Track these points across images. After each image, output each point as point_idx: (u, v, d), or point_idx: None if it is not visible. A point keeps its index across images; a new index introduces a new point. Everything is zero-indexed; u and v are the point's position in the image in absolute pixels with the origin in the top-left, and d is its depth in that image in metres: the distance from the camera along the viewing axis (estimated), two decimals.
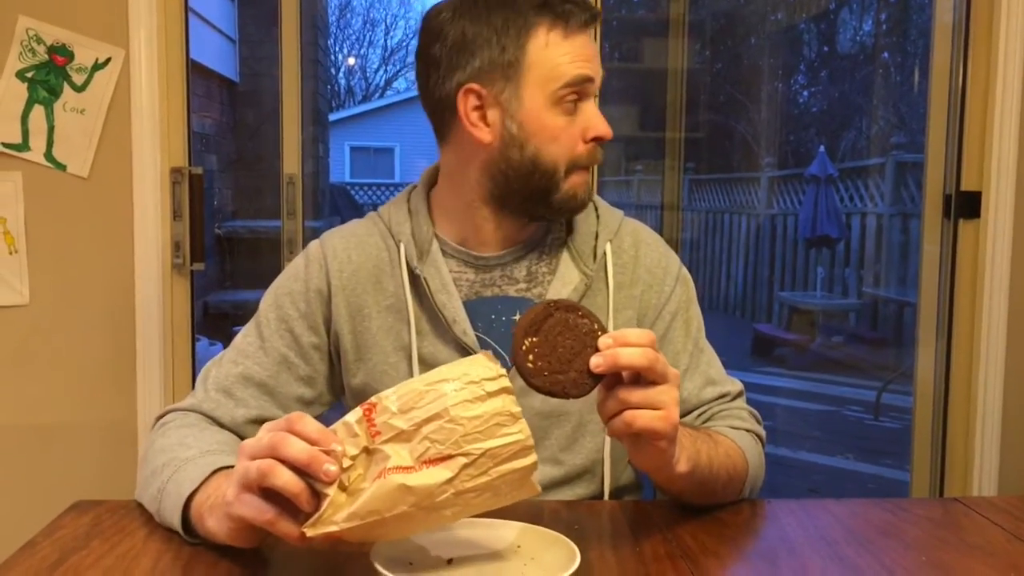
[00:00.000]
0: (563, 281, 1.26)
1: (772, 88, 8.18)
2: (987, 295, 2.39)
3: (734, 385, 1.32)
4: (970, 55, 2.39)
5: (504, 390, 0.87)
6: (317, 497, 0.87)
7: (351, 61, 19.34)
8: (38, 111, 2.14)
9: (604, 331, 0.96)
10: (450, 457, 0.85)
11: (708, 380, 1.30)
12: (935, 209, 2.50)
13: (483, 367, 0.88)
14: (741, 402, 1.32)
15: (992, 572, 0.97)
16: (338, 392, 1.31)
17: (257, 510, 0.88)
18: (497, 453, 0.85)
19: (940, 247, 2.49)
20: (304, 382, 1.26)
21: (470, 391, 0.86)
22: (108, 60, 2.16)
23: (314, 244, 1.31)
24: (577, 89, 1.19)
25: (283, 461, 0.86)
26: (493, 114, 1.19)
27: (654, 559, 0.98)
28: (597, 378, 0.95)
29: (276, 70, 2.69)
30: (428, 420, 0.85)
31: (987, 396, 2.40)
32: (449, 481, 0.85)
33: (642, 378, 0.95)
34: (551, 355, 0.95)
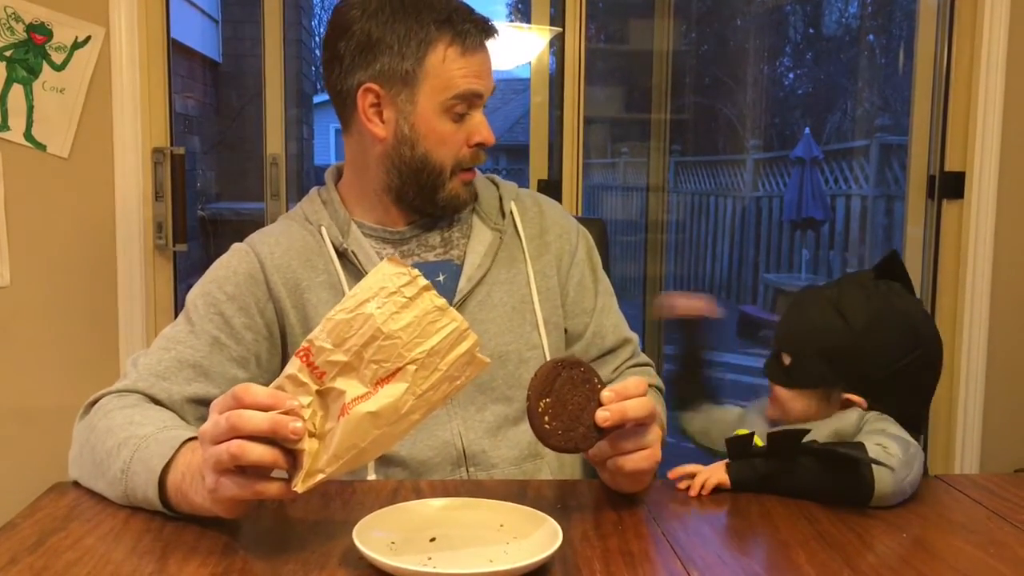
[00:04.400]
0: (479, 239, 1.37)
1: (758, 70, 8.16)
2: (970, 275, 2.40)
3: (632, 332, 1.49)
4: (955, 37, 2.40)
5: (423, 289, 0.90)
6: (292, 454, 0.88)
7: None
8: (17, 90, 2.11)
9: (603, 384, 1.02)
10: (399, 369, 0.88)
11: (621, 319, 1.47)
12: (919, 189, 2.51)
13: (395, 275, 0.90)
14: (640, 352, 1.49)
15: (973, 549, 0.97)
16: (272, 377, 1.31)
17: (241, 487, 0.89)
18: (440, 348, 0.89)
19: (924, 227, 2.50)
20: (237, 363, 1.27)
21: (393, 303, 0.89)
22: (88, 39, 2.13)
23: (235, 244, 1.37)
24: (466, 102, 1.30)
25: (247, 436, 0.87)
26: (389, 113, 1.30)
27: (636, 537, 0.98)
28: (602, 431, 1.01)
29: (259, 51, 2.67)
30: (366, 345, 0.88)
31: (969, 375, 2.42)
32: (407, 390, 0.88)
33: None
34: (563, 413, 1.01)
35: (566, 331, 1.42)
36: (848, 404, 1.17)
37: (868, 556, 0.94)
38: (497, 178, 1.46)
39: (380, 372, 0.89)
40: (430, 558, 0.90)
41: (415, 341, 0.89)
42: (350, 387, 0.89)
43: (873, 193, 6.64)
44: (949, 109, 2.41)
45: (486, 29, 1.31)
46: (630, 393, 1.02)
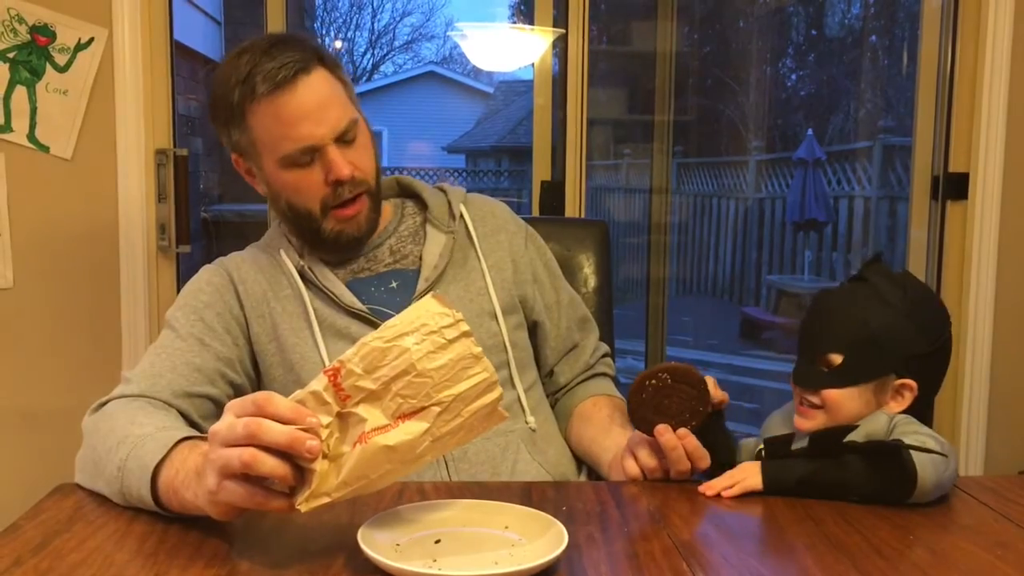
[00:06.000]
0: (434, 243, 1.40)
1: (760, 71, 8.16)
2: (974, 276, 2.40)
3: (596, 331, 1.54)
4: (958, 37, 2.40)
5: (463, 334, 0.89)
6: (300, 470, 0.87)
7: (338, 44, 19.17)
8: (20, 92, 2.11)
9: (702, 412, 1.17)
10: (423, 408, 0.88)
11: (583, 318, 1.53)
12: (923, 191, 2.50)
13: (439, 314, 0.90)
14: (602, 344, 1.56)
15: (979, 551, 0.97)
16: (253, 383, 1.37)
17: (245, 495, 0.89)
18: (467, 396, 0.89)
19: (928, 229, 2.50)
20: (224, 362, 1.31)
21: (432, 342, 0.88)
22: (91, 40, 2.13)
23: (204, 266, 1.42)
24: (302, 158, 1.28)
25: (262, 447, 0.86)
26: (256, 174, 1.36)
27: (642, 538, 0.98)
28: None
29: None
30: (396, 378, 0.87)
31: (974, 377, 2.41)
32: (426, 431, 0.87)
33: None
34: (660, 402, 1.16)
35: (536, 325, 1.47)
36: (901, 390, 1.15)
37: (875, 558, 0.94)
38: (446, 185, 1.50)
39: (404, 407, 0.88)
40: (435, 560, 0.90)
41: (445, 384, 0.88)
42: (372, 416, 0.88)
43: (876, 194, 6.63)
44: (953, 110, 2.41)
45: (277, 79, 1.24)
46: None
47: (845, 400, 1.14)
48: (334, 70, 1.31)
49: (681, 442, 1.14)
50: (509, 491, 1.13)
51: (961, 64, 2.40)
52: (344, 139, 1.29)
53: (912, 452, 1.06)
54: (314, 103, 1.26)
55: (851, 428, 1.11)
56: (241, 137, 1.31)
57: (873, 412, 1.15)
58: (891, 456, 1.07)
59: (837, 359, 1.15)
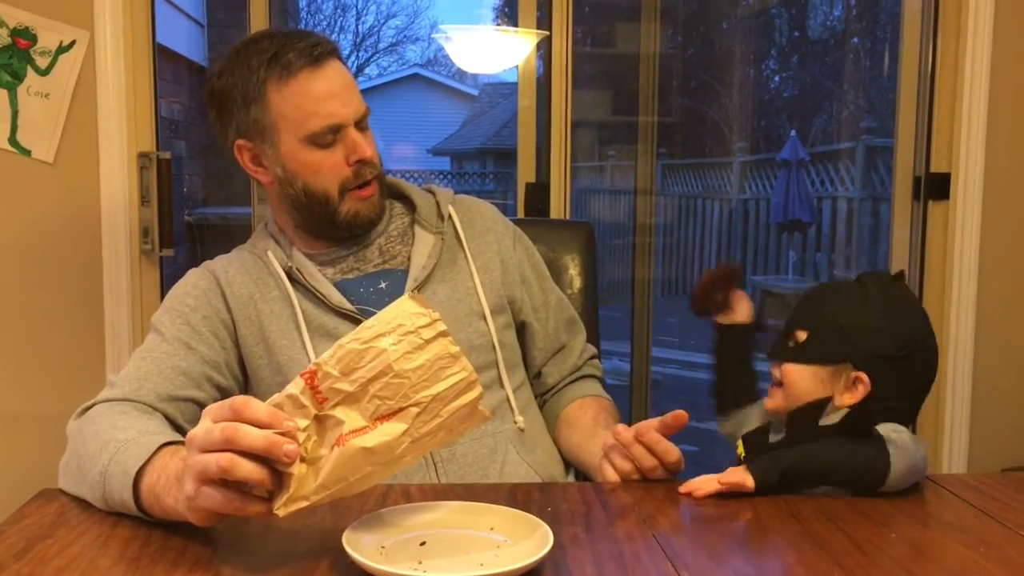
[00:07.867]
0: (422, 243, 1.41)
1: (744, 73, 8.18)
2: (956, 275, 2.41)
3: (583, 332, 1.54)
4: (939, 38, 2.41)
5: (440, 334, 0.89)
6: (278, 475, 0.87)
7: None
8: (1, 95, 2.10)
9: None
10: (402, 409, 0.87)
11: (571, 319, 1.53)
12: (905, 191, 2.52)
13: (415, 314, 0.89)
14: (590, 346, 1.56)
15: (962, 548, 0.97)
16: (241, 386, 1.36)
17: (222, 500, 0.88)
18: (445, 395, 0.88)
19: (910, 229, 2.51)
20: (211, 366, 1.30)
21: (408, 342, 0.88)
22: (72, 43, 2.12)
23: (190, 269, 1.41)
24: (329, 133, 1.30)
25: (239, 451, 0.86)
26: (265, 160, 1.35)
27: (627, 539, 0.98)
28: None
29: None
30: (373, 379, 0.87)
31: (956, 376, 2.43)
32: (405, 432, 0.87)
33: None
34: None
35: (524, 326, 1.47)
36: (855, 383, 1.17)
37: (857, 556, 0.94)
38: (434, 186, 1.50)
39: (382, 408, 0.87)
40: (420, 562, 0.90)
41: (423, 384, 0.88)
42: (349, 418, 0.87)
43: (859, 195, 6.66)
44: (934, 110, 2.43)
45: (313, 55, 1.29)
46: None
47: (800, 378, 1.19)
48: (346, 66, 1.36)
49: (641, 439, 1.15)
50: (494, 493, 1.13)
51: (942, 65, 2.41)
52: (361, 126, 1.34)
53: (882, 434, 1.10)
54: (342, 84, 1.31)
55: (825, 401, 1.15)
56: (261, 116, 1.31)
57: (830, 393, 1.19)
58: (862, 429, 1.11)
59: (802, 335, 1.20)
